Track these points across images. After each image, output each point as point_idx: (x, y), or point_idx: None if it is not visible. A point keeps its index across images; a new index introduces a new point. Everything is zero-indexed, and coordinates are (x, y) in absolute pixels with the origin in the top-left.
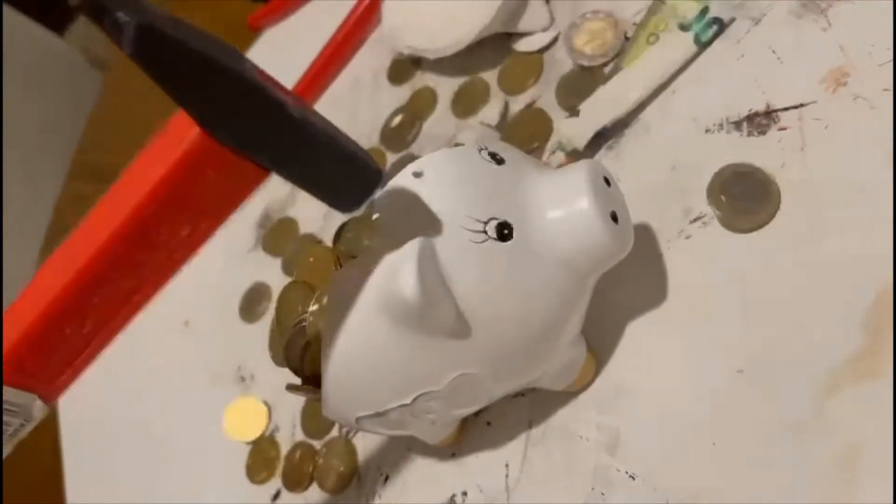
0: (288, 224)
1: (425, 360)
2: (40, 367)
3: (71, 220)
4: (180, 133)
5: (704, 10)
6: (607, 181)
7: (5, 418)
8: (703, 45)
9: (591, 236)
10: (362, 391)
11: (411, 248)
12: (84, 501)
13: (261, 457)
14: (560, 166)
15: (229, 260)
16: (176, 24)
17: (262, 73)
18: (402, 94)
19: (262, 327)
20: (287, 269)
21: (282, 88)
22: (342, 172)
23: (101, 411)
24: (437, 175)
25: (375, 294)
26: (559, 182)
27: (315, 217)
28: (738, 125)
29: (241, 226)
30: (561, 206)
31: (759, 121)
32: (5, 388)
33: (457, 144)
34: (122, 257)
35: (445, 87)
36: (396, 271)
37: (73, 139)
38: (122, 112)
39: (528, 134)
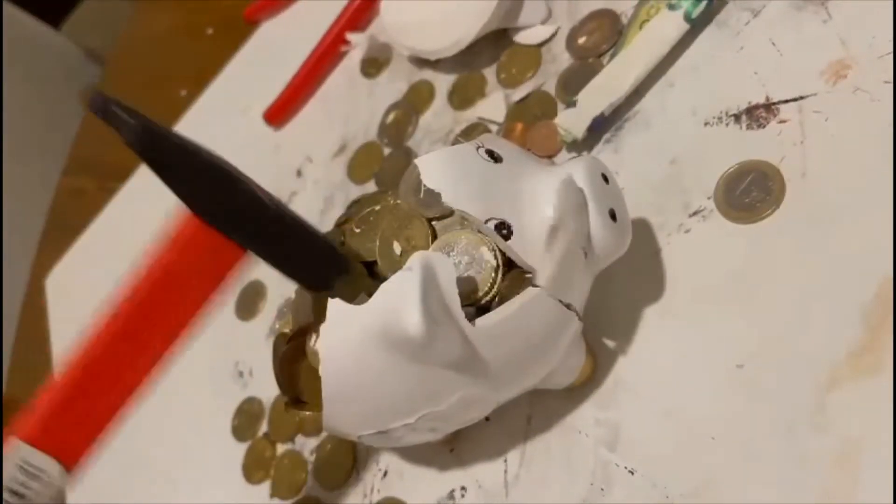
0: None
1: (429, 385)
2: (65, 435)
3: (69, 214)
4: (178, 220)
5: None
6: (605, 178)
7: (25, 480)
8: (693, 22)
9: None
10: (364, 414)
11: (413, 278)
12: (82, 498)
13: (255, 457)
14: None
15: None
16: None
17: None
18: (399, 88)
19: (259, 324)
20: None
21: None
22: (312, 258)
23: None
24: (433, 175)
25: (377, 323)
26: (557, 178)
27: (312, 212)
28: (737, 118)
29: None
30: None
31: (759, 114)
32: (29, 449)
33: (456, 141)
34: (133, 333)
35: (443, 81)
36: (399, 307)
37: (70, 133)
38: None
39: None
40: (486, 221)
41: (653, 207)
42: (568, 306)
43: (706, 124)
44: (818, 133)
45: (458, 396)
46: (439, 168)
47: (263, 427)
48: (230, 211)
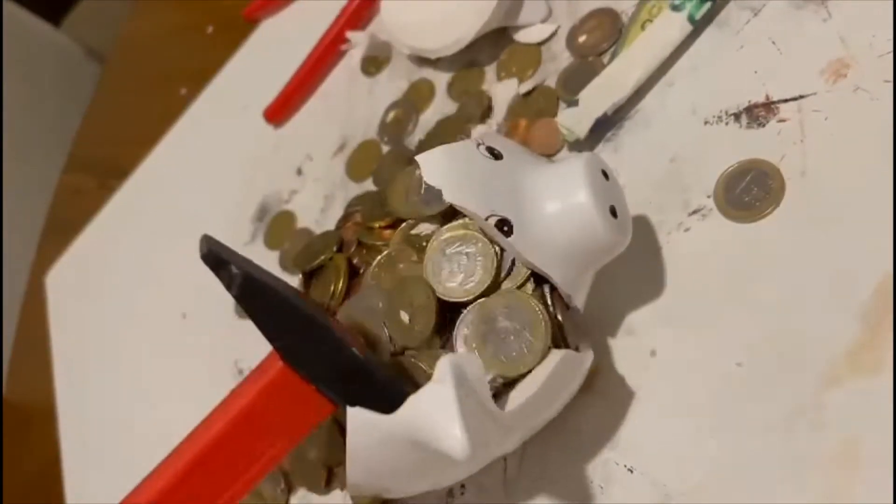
0: (286, 218)
1: (455, 469)
2: None
3: (69, 213)
4: (267, 367)
5: None
6: (605, 174)
7: None
8: (696, 24)
9: (589, 229)
10: (391, 487)
11: (447, 393)
12: (83, 496)
13: None
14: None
15: None
16: (273, 278)
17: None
18: (399, 86)
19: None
20: (284, 263)
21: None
22: (379, 395)
23: (100, 402)
24: (434, 172)
25: (408, 434)
26: (557, 175)
27: (313, 211)
28: (737, 117)
29: (238, 219)
30: (558, 198)
31: (759, 112)
32: None
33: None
34: (211, 473)
35: (443, 79)
36: (437, 426)
37: (70, 131)
38: (120, 105)
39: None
40: (487, 218)
41: (653, 206)
42: (577, 348)
43: (706, 123)
44: (818, 132)
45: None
46: (440, 165)
47: None
48: (316, 357)
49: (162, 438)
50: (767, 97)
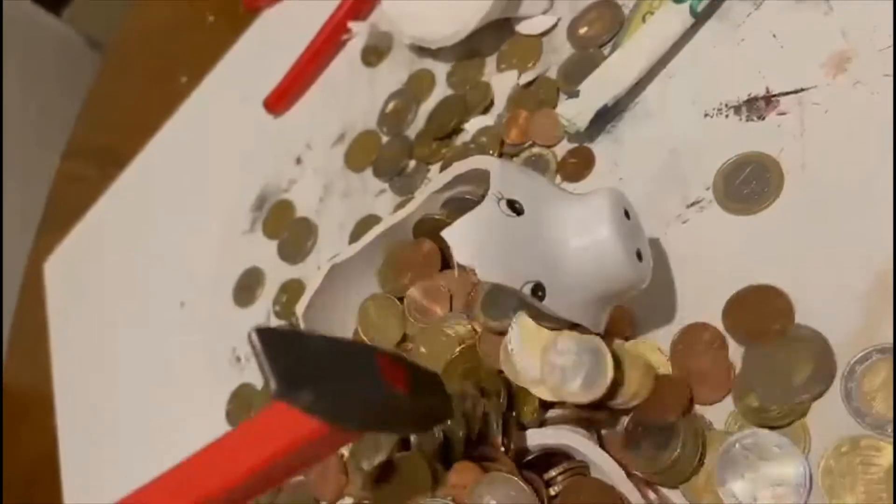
0: (284, 207)
1: None
2: None
3: (68, 200)
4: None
5: None
6: (626, 213)
7: None
8: (698, 16)
9: (614, 264)
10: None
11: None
12: (80, 484)
13: None
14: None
15: (225, 242)
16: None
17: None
18: (399, 76)
19: (256, 312)
20: (283, 253)
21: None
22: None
23: (98, 390)
24: (464, 251)
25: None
26: (581, 215)
27: (311, 200)
28: (737, 110)
29: (236, 208)
30: (584, 236)
31: (759, 105)
32: None
33: (465, 145)
34: None
35: (443, 69)
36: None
37: (70, 120)
38: (119, 93)
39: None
40: (522, 287)
41: (651, 198)
42: None
43: (706, 115)
44: (818, 125)
45: None
46: (468, 241)
47: None
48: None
49: (159, 426)
50: (768, 90)
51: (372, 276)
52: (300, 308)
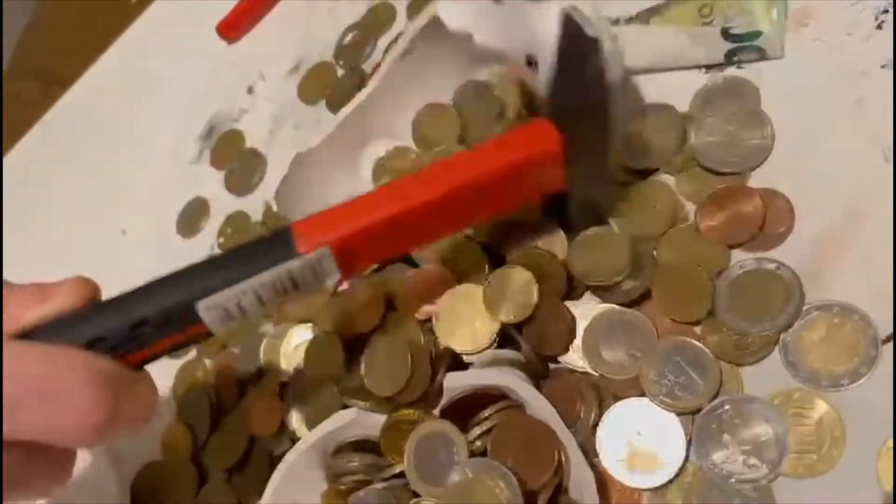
0: (233, 137)
1: None
2: (359, 256)
3: (8, 120)
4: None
5: (756, 34)
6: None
7: (307, 278)
8: (729, 63)
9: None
10: None
11: None
12: None
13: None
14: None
15: (170, 171)
16: None
17: None
18: (359, 8)
19: (199, 243)
20: (229, 184)
21: None
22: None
23: None
24: (457, 17)
25: None
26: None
27: (261, 131)
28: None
29: (184, 136)
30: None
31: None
32: (331, 258)
33: None
34: (439, 209)
35: (403, 4)
36: None
37: (13, 38)
38: (66, 11)
39: None
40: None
41: None
42: None
43: None
44: (775, 78)
45: None
46: (459, 10)
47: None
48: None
49: None
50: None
51: (343, 164)
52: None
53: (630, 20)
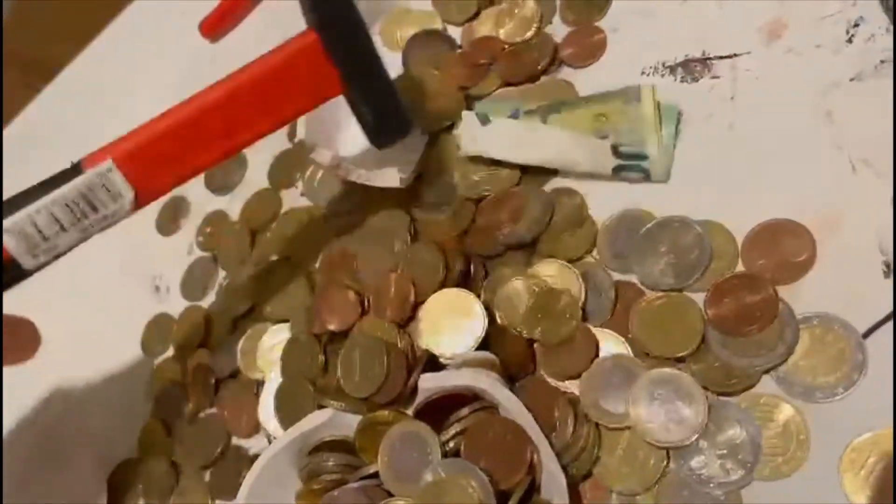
0: None
1: None
2: (149, 172)
3: None
4: (300, 40)
5: (642, 156)
6: None
7: (101, 197)
8: (617, 175)
9: None
10: None
11: None
12: None
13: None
14: None
15: None
16: None
17: None
18: None
19: (178, 242)
20: (210, 183)
21: None
22: (389, 113)
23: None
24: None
25: None
26: None
27: None
28: (672, 70)
29: None
30: None
31: (694, 67)
32: (118, 172)
33: None
34: (231, 111)
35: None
36: None
37: None
38: (45, 7)
39: None
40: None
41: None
42: None
43: (642, 73)
44: (748, 90)
45: None
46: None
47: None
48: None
49: (76, 344)
50: (704, 53)
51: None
52: None
53: (529, 112)
